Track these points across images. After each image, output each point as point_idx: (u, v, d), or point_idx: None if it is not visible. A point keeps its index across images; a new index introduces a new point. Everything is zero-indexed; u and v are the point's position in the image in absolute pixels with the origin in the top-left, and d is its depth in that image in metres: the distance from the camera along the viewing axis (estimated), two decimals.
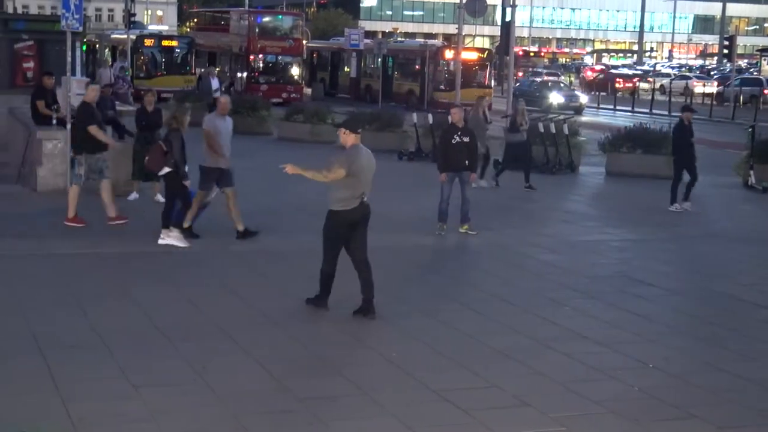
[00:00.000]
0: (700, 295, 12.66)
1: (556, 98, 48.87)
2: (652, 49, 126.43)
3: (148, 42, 47.19)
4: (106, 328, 9.72)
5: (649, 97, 52.67)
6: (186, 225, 14.11)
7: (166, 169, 13.76)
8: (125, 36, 41.48)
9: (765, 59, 70.47)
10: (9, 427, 7.18)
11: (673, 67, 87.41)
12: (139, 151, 17.29)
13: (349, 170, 10.31)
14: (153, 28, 79.98)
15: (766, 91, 56.39)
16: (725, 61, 69.04)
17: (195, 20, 67.43)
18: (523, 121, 21.26)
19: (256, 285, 11.91)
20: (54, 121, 18.79)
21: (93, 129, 15.26)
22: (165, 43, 48.35)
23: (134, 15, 44.18)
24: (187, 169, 13.82)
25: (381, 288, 11.71)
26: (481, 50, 54.44)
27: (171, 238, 13.72)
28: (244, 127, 30.63)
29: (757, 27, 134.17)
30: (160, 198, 17.15)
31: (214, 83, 33.13)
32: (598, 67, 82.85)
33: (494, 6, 70.14)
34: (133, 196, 17.66)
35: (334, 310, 10.79)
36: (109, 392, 7.95)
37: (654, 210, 18.63)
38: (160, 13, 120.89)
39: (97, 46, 53.20)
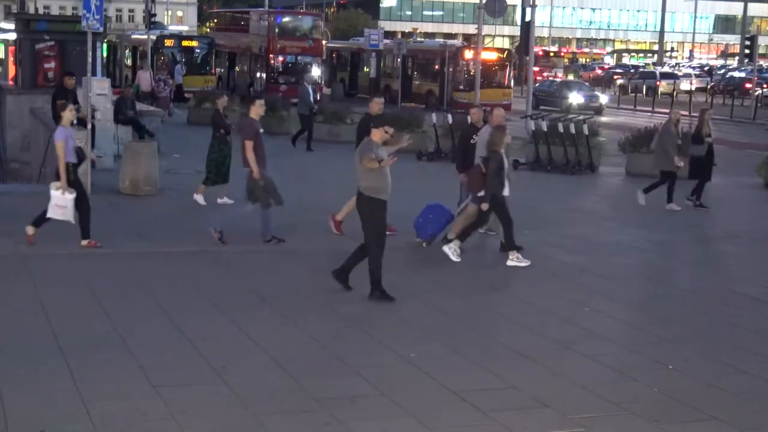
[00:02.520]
0: (721, 296, 12.60)
1: (576, 98, 48.74)
2: (672, 49, 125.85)
3: (168, 42, 47.37)
4: (126, 327, 9.76)
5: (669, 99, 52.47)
6: (451, 235, 14.09)
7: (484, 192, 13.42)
8: (146, 36, 41.60)
9: None
10: (30, 427, 7.22)
11: (693, 68, 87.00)
12: (216, 158, 17.26)
13: None
14: (173, 28, 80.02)
15: (658, 83, 62.63)
16: (746, 61, 68.61)
17: (215, 20, 67.59)
18: (710, 131, 19.80)
19: (277, 285, 11.93)
20: (74, 121, 18.88)
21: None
22: (185, 43, 48.53)
23: (154, 15, 44.32)
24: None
25: (400, 287, 11.73)
26: (501, 50, 54.40)
27: (514, 260, 13.44)
28: (264, 128, 30.54)
29: None
30: (227, 200, 17.23)
31: (312, 93, 28.84)
32: (605, 67, 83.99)
33: (514, 6, 70.04)
34: (201, 199, 17.51)
35: (353, 310, 10.80)
36: (130, 392, 7.98)
37: (674, 211, 18.53)
38: (180, 13, 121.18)
39: (118, 46, 53.41)
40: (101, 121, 20.60)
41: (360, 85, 53.79)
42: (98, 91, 20.57)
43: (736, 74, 70.71)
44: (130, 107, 24.20)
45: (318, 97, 30.43)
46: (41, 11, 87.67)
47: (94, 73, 20.05)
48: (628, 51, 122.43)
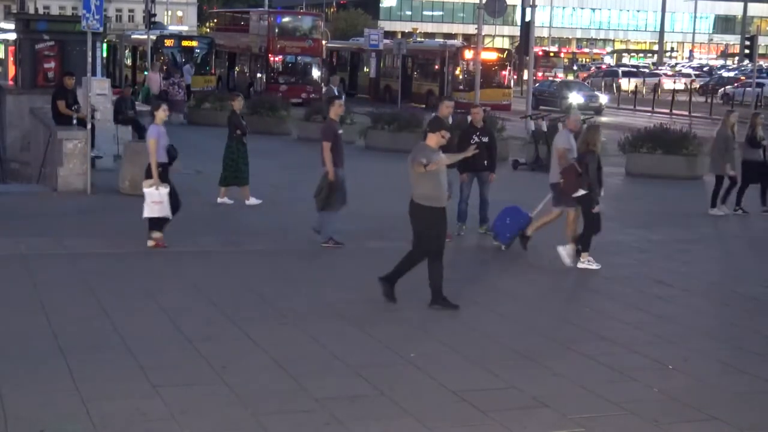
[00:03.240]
0: (721, 296, 12.61)
1: (575, 98, 48.74)
2: (672, 50, 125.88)
3: (168, 42, 47.36)
4: (126, 327, 9.76)
5: (670, 98, 52.45)
6: (529, 233, 14.32)
7: (581, 192, 13.36)
8: (146, 36, 41.60)
9: None
10: (30, 427, 7.22)
11: (693, 68, 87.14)
12: (235, 159, 17.31)
13: None
14: (173, 28, 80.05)
15: (619, 80, 64.64)
16: (746, 61, 68.65)
17: (215, 21, 67.57)
18: (763, 134, 19.27)
19: (277, 285, 11.93)
20: (74, 121, 18.92)
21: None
22: (185, 43, 48.53)
23: (154, 15, 44.26)
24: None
25: (400, 288, 11.74)
26: (501, 50, 54.41)
27: (586, 263, 13.43)
28: (264, 127, 30.75)
29: None
30: (254, 201, 17.25)
31: (338, 92, 28.20)
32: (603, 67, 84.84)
33: (514, 6, 70.04)
34: (226, 200, 17.53)
35: (351, 310, 10.80)
36: (130, 392, 7.97)
37: (674, 211, 18.55)
38: (180, 13, 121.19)
39: (118, 46, 53.41)
40: (101, 121, 20.63)
41: (360, 85, 53.81)
42: (98, 91, 20.59)
43: (725, 74, 71.75)
44: (130, 107, 24.20)
45: (344, 99, 29.45)
46: (41, 11, 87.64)
47: (94, 73, 20.07)
48: (628, 51, 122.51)
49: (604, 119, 42.11)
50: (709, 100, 51.40)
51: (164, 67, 42.53)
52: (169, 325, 9.98)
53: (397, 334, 10.02)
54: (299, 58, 47.33)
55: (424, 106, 43.40)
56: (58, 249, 13.33)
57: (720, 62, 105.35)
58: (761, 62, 78.20)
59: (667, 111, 48.06)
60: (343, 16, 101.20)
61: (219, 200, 17.46)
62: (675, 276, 13.32)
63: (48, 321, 9.90)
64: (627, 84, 65.68)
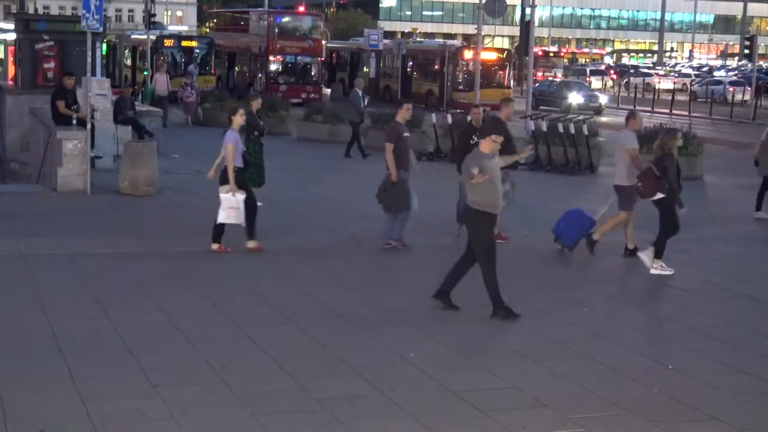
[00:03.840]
0: (721, 296, 12.60)
1: (575, 99, 48.73)
2: (672, 49, 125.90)
3: (168, 42, 47.36)
4: (126, 327, 9.76)
5: (669, 97, 52.49)
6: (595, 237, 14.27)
7: (659, 195, 13.26)
8: (145, 36, 41.59)
9: None
10: (29, 427, 7.22)
11: (693, 68, 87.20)
12: (250, 160, 17.28)
13: None
14: (173, 28, 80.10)
15: (588, 79, 64.70)
16: (746, 61, 68.70)
17: (215, 21, 67.57)
18: None
19: (277, 284, 11.94)
20: (74, 122, 18.91)
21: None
22: (185, 43, 48.54)
23: (154, 15, 44.24)
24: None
25: (399, 289, 11.76)
26: (501, 50, 54.40)
27: (659, 269, 13.31)
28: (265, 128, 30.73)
29: None
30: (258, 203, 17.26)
31: (362, 98, 27.50)
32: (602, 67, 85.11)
33: (514, 6, 70.03)
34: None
35: (353, 310, 10.80)
36: (129, 392, 7.98)
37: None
38: (179, 13, 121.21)
39: (118, 46, 53.41)
40: (101, 121, 20.61)
41: None
42: (98, 91, 20.57)
43: (716, 73, 73.32)
44: (130, 107, 24.21)
45: (366, 103, 28.15)
46: (41, 11, 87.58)
47: (93, 73, 20.07)
48: (628, 51, 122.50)
49: (603, 119, 42.09)
50: (709, 100, 51.45)
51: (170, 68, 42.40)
52: (169, 325, 9.98)
53: (397, 335, 10.01)
54: (299, 58, 47.32)
55: (424, 106, 43.35)
56: (58, 249, 13.33)
57: (720, 62, 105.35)
58: (761, 62, 78.31)
59: (667, 111, 48.07)
60: (342, 16, 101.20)
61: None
62: (674, 276, 13.31)
63: (48, 321, 9.90)
64: (598, 83, 66.52)
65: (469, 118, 16.32)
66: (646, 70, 79.27)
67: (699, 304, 12.07)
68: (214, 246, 13.54)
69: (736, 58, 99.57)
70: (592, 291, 12.50)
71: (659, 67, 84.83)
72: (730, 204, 20.27)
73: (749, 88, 59.13)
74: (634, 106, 51.77)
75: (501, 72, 47.01)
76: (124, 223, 15.58)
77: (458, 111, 32.79)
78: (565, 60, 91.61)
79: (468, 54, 46.00)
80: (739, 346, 10.16)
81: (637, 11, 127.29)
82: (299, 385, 8.32)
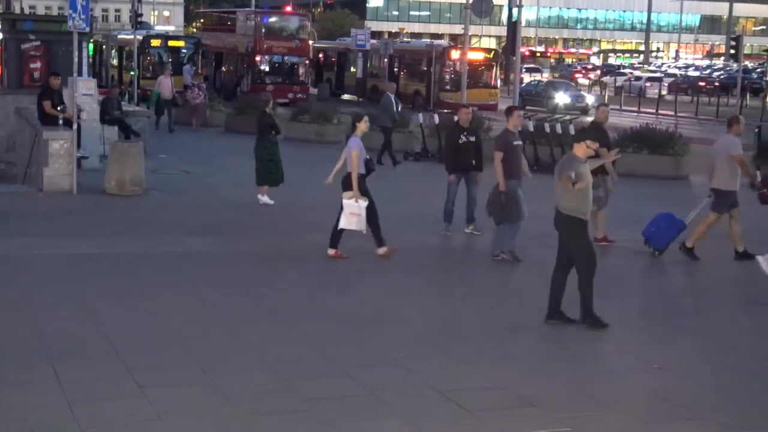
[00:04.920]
0: (708, 295, 12.65)
1: (562, 99, 48.81)
2: (658, 50, 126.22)
3: (154, 42, 47.27)
4: (113, 328, 9.73)
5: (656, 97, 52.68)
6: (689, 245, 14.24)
7: None
8: (132, 36, 41.51)
9: None
10: (16, 428, 7.20)
11: (679, 68, 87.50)
12: (265, 158, 17.55)
13: None
14: (159, 28, 79.88)
15: (544, 76, 65.23)
16: (732, 61, 68.98)
17: (201, 21, 67.45)
18: None
19: (266, 284, 11.93)
20: (60, 122, 18.86)
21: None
22: (171, 43, 48.45)
23: (141, 15, 44.14)
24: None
25: (387, 289, 11.76)
26: (488, 50, 54.43)
27: None
28: (251, 128, 30.47)
29: (765, 27, 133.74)
30: (267, 200, 17.28)
31: (395, 103, 25.99)
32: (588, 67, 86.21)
33: (501, 6, 70.11)
34: (265, 200, 17.58)
35: (342, 310, 10.80)
36: (116, 392, 7.95)
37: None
38: (166, 13, 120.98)
39: (104, 46, 53.29)
40: (87, 121, 20.56)
41: (346, 85, 53.81)
42: (84, 91, 20.52)
43: (691, 73, 76.45)
44: (117, 107, 24.16)
45: (400, 108, 26.78)
46: (27, 11, 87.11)
47: (80, 73, 20.01)
48: (615, 51, 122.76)
49: (590, 119, 42.12)
50: (694, 100, 51.64)
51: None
52: (156, 325, 9.97)
53: (385, 335, 10.02)
54: (286, 58, 47.28)
55: (411, 106, 43.37)
56: (45, 249, 13.28)
57: (706, 62, 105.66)
58: (747, 62, 78.61)
59: (653, 111, 48.17)
60: (329, 16, 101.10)
61: (261, 200, 17.55)
62: (664, 275, 13.35)
63: (35, 321, 9.87)
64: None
65: (456, 117, 16.32)
66: (624, 70, 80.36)
67: (687, 303, 12.10)
68: (331, 251, 13.49)
69: (722, 58, 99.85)
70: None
71: (633, 69, 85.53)
72: None
73: (665, 84, 62.85)
74: (620, 106, 51.96)
75: (488, 72, 47.05)
76: (111, 223, 15.54)
77: (445, 111, 32.85)
78: (552, 60, 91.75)
79: (455, 54, 46.03)
80: (727, 346, 10.19)
81: (624, 11, 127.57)
82: (289, 385, 8.32)
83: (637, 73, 74.78)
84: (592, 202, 10.76)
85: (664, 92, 59.54)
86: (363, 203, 13.24)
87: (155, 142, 24.74)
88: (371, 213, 13.39)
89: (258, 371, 8.66)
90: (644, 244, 14.54)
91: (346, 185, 13.35)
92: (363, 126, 13.66)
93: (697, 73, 78.15)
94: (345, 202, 13.28)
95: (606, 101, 54.34)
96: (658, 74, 71.49)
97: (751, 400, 8.48)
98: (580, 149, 10.50)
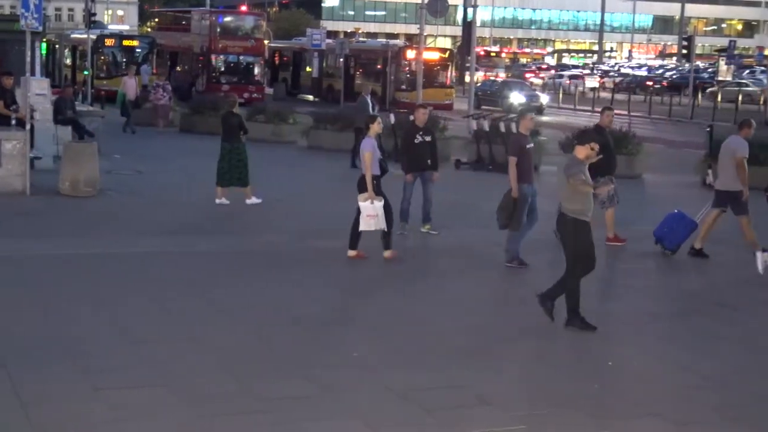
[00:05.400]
0: (658, 292, 12.79)
1: (517, 98, 49.08)
2: (612, 50, 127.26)
3: (108, 42, 46.92)
4: (67, 329, 9.67)
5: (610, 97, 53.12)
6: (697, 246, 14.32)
7: None
8: (86, 36, 41.15)
9: (723, 59, 71.29)
10: None
11: (632, 67, 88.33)
12: (234, 159, 17.47)
13: None
14: (113, 27, 79.31)
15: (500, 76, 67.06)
16: (684, 61, 69.78)
17: (156, 20, 67.14)
18: None
19: (222, 285, 11.88)
20: (13, 122, 18.65)
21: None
22: (126, 42, 48.12)
23: (94, 15, 43.65)
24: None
25: (346, 289, 11.77)
26: (443, 50, 54.59)
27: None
28: (206, 128, 30.56)
29: (716, 27, 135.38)
30: (255, 200, 17.21)
31: (371, 105, 25.44)
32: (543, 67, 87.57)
33: (456, 6, 70.32)
34: (255, 199, 17.54)
35: (298, 311, 10.80)
36: (72, 395, 7.89)
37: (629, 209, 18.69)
38: (120, 12, 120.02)
39: (57, 46, 52.80)
40: (40, 122, 20.36)
41: (302, 85, 53.74)
42: (37, 91, 20.34)
43: (638, 72, 78.93)
44: (70, 107, 23.95)
45: (377, 110, 25.94)
46: None
47: (33, 73, 19.84)
48: (569, 51, 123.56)
49: (545, 119, 42.46)
50: (647, 99, 52.21)
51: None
52: (111, 326, 9.91)
53: (341, 335, 10.03)
54: (241, 57, 47.17)
55: None
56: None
57: (658, 62, 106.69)
58: (698, 62, 79.53)
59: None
60: (285, 15, 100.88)
61: (248, 201, 17.50)
62: (618, 274, 13.46)
63: None
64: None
65: (412, 117, 16.37)
66: (573, 70, 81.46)
67: (638, 300, 12.22)
68: (351, 252, 13.50)
69: (674, 58, 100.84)
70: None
71: (581, 69, 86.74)
72: (666, 203, 20.52)
73: (585, 81, 64.84)
74: (575, 106, 52.35)
75: (443, 72, 47.19)
76: (65, 224, 15.42)
77: (401, 110, 32.89)
78: (507, 60, 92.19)
79: (410, 54, 46.13)
80: (679, 343, 10.30)
81: (578, 12, 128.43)
82: (245, 385, 8.31)
83: (574, 72, 76.18)
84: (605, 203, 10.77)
85: (581, 88, 61.13)
86: (378, 204, 13.30)
87: (110, 142, 24.53)
88: (386, 213, 13.46)
89: (215, 372, 8.64)
90: (655, 244, 14.72)
91: (361, 187, 13.44)
92: (376, 127, 13.74)
93: (645, 73, 79.85)
94: (361, 204, 13.36)
95: (560, 101, 55.13)
96: (582, 72, 74.15)
97: (706, 398, 8.59)
98: (583, 152, 10.53)
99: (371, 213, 13.26)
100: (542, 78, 71.05)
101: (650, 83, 66.30)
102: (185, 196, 18.38)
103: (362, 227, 13.39)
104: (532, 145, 13.72)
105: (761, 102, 48.64)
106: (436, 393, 8.34)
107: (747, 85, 58.19)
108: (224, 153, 17.59)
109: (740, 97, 48.14)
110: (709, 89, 55.33)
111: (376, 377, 8.65)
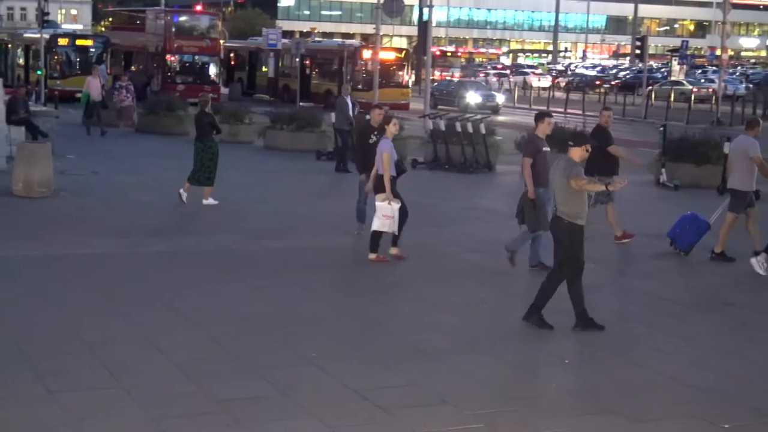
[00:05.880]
0: (614, 291, 12.89)
1: (473, 98, 49.25)
2: (566, 49, 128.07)
3: (62, 41, 46.48)
4: (21, 332, 9.57)
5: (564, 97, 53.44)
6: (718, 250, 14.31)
7: None
8: (39, 35, 40.77)
9: (675, 59, 71.98)
10: None
11: (586, 67, 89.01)
12: (206, 158, 17.45)
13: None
14: (67, 27, 78.69)
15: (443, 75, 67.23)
16: (637, 61, 70.45)
17: (110, 19, 66.60)
18: None
19: (175, 286, 11.82)
20: None
21: (612, 149, 15.37)
22: (79, 42, 47.69)
23: (48, 14, 43.35)
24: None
25: (302, 288, 11.76)
26: (399, 50, 54.64)
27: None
28: (161, 128, 30.43)
29: (668, 28, 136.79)
30: (212, 201, 17.19)
31: (351, 106, 24.71)
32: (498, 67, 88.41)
33: (411, 6, 70.44)
34: (185, 197, 17.47)
35: (253, 312, 10.77)
36: (25, 398, 7.82)
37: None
38: (74, 12, 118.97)
39: (10, 45, 52.23)
40: None
41: (258, 85, 53.54)
42: None
43: (584, 72, 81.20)
44: (23, 107, 23.72)
45: (357, 111, 25.30)
46: None
47: None
48: (524, 51, 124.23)
49: (500, 118, 42.66)
50: (601, 99, 52.70)
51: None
52: (66, 329, 9.82)
53: (298, 335, 10.02)
54: (196, 57, 46.93)
55: (323, 105, 43.37)
56: None
57: (612, 62, 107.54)
58: (652, 62, 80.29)
59: (562, 109, 48.91)
60: (241, 15, 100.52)
61: (204, 202, 17.42)
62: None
63: None
64: (538, 82, 70.18)
65: (367, 117, 16.37)
66: (525, 69, 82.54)
67: (596, 299, 12.31)
68: (372, 256, 13.51)
69: (628, 57, 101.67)
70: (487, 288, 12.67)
71: (533, 68, 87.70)
72: (620, 201, 20.71)
73: (512, 79, 67.15)
74: (530, 105, 52.64)
75: (399, 72, 47.26)
76: (19, 225, 15.25)
77: (361, 111, 32.86)
78: (463, 60, 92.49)
79: (366, 54, 46.11)
80: (635, 341, 10.40)
81: (532, 12, 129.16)
82: (200, 387, 8.27)
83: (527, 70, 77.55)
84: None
85: (506, 86, 62.66)
86: (395, 205, 13.33)
87: (64, 142, 24.32)
88: (401, 215, 13.48)
89: (169, 374, 8.60)
90: (670, 245, 14.85)
91: (378, 188, 13.45)
92: (393, 128, 13.76)
93: (594, 72, 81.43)
94: (378, 204, 13.37)
95: (515, 101, 55.41)
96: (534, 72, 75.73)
97: (660, 394, 8.68)
98: (579, 153, 10.49)
99: (388, 214, 13.31)
100: (496, 78, 71.60)
101: (599, 83, 67.93)
102: (140, 197, 18.26)
103: (375, 227, 13.44)
104: (548, 148, 13.47)
105: (712, 101, 49.14)
106: (395, 392, 8.36)
107: (682, 84, 59.22)
108: (196, 152, 17.53)
109: (672, 96, 49.62)
110: (648, 88, 56.49)
111: (335, 377, 8.65)
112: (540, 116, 13.74)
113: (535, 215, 12.98)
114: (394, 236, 13.68)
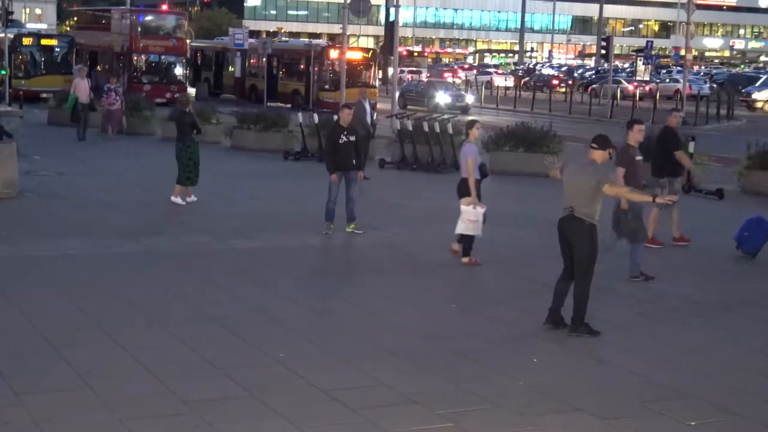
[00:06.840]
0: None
1: (442, 98, 49.34)
2: (532, 50, 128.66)
3: (26, 41, 46.18)
4: None
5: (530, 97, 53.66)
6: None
7: None
8: (2, 35, 40.42)
9: (640, 59, 72.40)
10: None
11: (552, 67, 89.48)
12: (184, 158, 17.50)
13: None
14: (31, 26, 78.15)
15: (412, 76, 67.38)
16: (603, 61, 70.84)
17: (75, 19, 65.99)
18: None
19: (142, 287, 11.76)
20: None
21: (678, 154, 15.29)
22: (44, 42, 47.38)
23: (12, 13, 42.89)
24: None
25: (271, 288, 11.73)
26: (366, 50, 54.65)
27: None
28: (129, 128, 30.21)
29: (633, 28, 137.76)
30: (179, 200, 17.33)
31: (370, 111, 23.88)
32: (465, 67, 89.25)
33: (378, 6, 70.49)
34: (179, 200, 17.48)
35: (221, 311, 10.73)
36: None
37: (544, 206, 18.94)
38: (38, 11, 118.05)
39: None
40: None
41: (225, 85, 53.37)
42: None
43: (545, 71, 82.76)
44: None
45: (375, 116, 24.60)
46: None
47: None
48: (490, 51, 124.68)
49: (469, 118, 42.69)
50: (567, 99, 52.98)
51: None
52: (32, 331, 9.74)
53: (266, 335, 9.99)
54: (163, 57, 46.78)
55: (290, 105, 43.29)
56: None
57: (578, 62, 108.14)
58: (617, 62, 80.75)
59: (529, 109, 49.10)
60: (207, 15, 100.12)
61: (173, 199, 17.49)
62: (538, 270, 13.59)
63: None
64: (503, 82, 70.60)
65: (336, 117, 16.37)
66: (489, 69, 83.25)
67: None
68: (465, 259, 13.56)
69: (593, 57, 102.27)
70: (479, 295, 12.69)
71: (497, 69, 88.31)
72: None
73: (477, 78, 67.91)
74: (497, 105, 52.84)
75: (366, 71, 47.25)
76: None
77: (325, 110, 32.85)
78: (430, 60, 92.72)
79: (333, 53, 46.04)
80: (602, 339, 10.43)
81: (498, 12, 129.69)
82: (168, 388, 8.23)
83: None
84: None
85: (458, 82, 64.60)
86: (480, 210, 13.36)
87: (28, 143, 24.12)
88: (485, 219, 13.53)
89: (136, 375, 8.55)
90: (736, 249, 14.92)
91: (462, 191, 13.48)
92: (476, 132, 13.81)
93: (551, 72, 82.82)
94: (463, 208, 13.40)
95: (482, 101, 55.57)
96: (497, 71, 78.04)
97: (628, 393, 8.73)
98: (602, 156, 10.43)
99: (472, 218, 13.34)
100: (460, 78, 71.95)
101: (556, 82, 69.70)
102: (105, 198, 18.14)
103: (459, 230, 13.49)
104: (640, 157, 13.22)
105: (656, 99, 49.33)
106: (363, 392, 8.35)
107: (620, 82, 60.40)
108: (178, 153, 17.49)
109: (619, 93, 51.47)
110: (592, 86, 57.91)
111: (303, 377, 8.63)
112: (630, 124, 13.48)
113: (634, 226, 12.94)
114: (466, 247, 13.62)
